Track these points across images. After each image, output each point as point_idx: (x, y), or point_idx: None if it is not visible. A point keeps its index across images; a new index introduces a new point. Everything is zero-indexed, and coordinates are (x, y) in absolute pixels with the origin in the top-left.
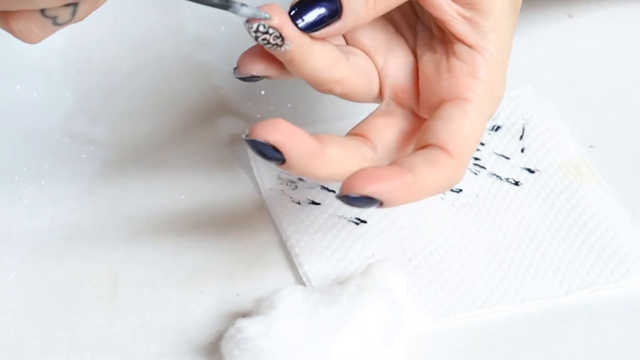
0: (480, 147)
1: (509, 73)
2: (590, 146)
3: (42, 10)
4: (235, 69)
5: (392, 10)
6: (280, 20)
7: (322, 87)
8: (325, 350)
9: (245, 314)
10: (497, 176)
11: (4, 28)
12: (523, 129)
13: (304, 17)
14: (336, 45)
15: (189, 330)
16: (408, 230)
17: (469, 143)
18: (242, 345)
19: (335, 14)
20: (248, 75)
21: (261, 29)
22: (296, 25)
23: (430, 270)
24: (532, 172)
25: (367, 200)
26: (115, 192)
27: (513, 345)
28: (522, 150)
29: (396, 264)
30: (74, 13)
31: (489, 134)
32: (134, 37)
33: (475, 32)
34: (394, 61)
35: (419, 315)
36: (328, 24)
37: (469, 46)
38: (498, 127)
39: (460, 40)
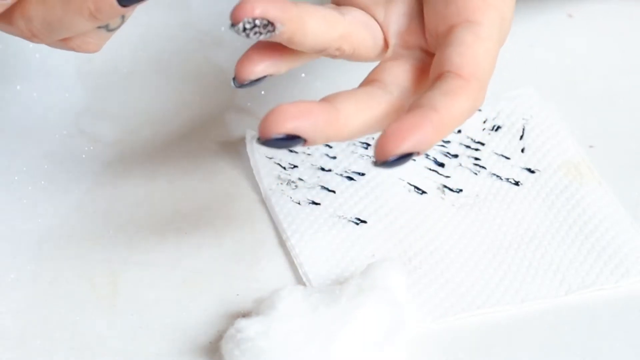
0: (480, 147)
1: (510, 73)
2: (590, 146)
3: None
4: (233, 79)
5: None
6: (261, 8)
7: (329, 51)
8: (326, 350)
9: (245, 314)
10: (497, 176)
11: (64, 48)
12: (523, 129)
13: None
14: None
15: (189, 330)
16: (408, 230)
17: (484, 65)
18: (242, 345)
19: None
20: (249, 81)
21: (247, 26)
22: None
23: (430, 270)
24: (532, 172)
25: (405, 156)
26: (115, 192)
27: (513, 345)
28: (523, 150)
29: (396, 264)
30: (124, 17)
31: (489, 133)
32: (134, 35)
33: None
34: (396, 10)
35: (419, 315)
36: None
37: None
38: (498, 127)
39: None
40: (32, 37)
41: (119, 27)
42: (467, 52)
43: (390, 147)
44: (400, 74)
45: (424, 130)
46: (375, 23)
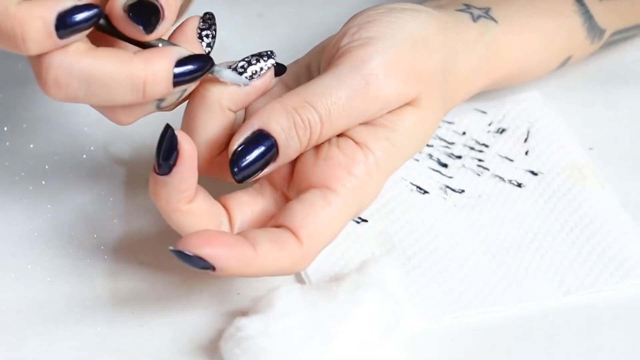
0: (485, 149)
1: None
2: (590, 148)
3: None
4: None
5: (295, 69)
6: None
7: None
8: (325, 346)
9: (244, 313)
10: (500, 177)
11: (105, 113)
12: (528, 132)
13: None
14: None
15: (189, 329)
16: (408, 229)
17: (322, 234)
18: (242, 343)
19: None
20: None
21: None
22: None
23: (429, 269)
24: (535, 174)
25: (199, 262)
26: (116, 191)
27: (512, 345)
28: (526, 153)
29: (391, 260)
30: (180, 97)
31: (494, 136)
32: None
33: (368, 134)
34: None
35: (417, 313)
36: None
37: (356, 142)
38: (503, 130)
39: (348, 135)
40: (49, 85)
41: (171, 105)
42: (312, 216)
43: (193, 243)
44: (247, 213)
45: (231, 253)
46: None
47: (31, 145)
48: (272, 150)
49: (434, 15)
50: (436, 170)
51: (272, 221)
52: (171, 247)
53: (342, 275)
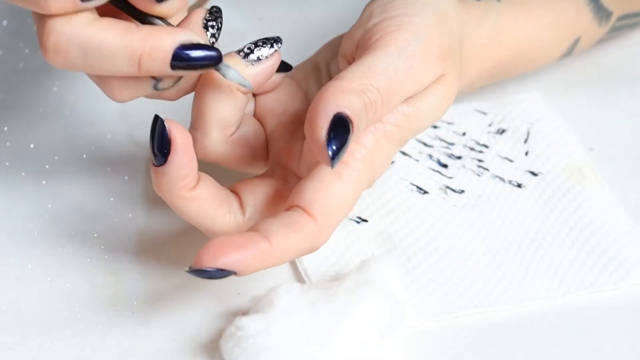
0: (485, 149)
1: (514, 79)
2: (590, 148)
3: (156, 82)
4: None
5: (303, 66)
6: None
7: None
8: (325, 345)
9: (244, 312)
10: (500, 178)
11: (95, 81)
12: (528, 133)
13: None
14: None
15: (189, 328)
16: (408, 229)
17: (336, 207)
18: (242, 342)
19: None
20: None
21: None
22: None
23: (429, 268)
24: (535, 174)
25: (219, 273)
26: (116, 191)
27: (512, 345)
28: (526, 154)
29: (391, 259)
30: (177, 81)
31: (494, 136)
32: None
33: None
34: (286, 123)
35: (417, 312)
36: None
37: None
38: (503, 131)
39: None
40: (48, 50)
41: (164, 91)
42: (323, 190)
43: (207, 257)
44: (259, 194)
45: (247, 254)
46: (263, 135)
47: (31, 145)
48: (351, 132)
49: None
50: (436, 171)
51: (286, 203)
52: (187, 269)
53: (342, 275)
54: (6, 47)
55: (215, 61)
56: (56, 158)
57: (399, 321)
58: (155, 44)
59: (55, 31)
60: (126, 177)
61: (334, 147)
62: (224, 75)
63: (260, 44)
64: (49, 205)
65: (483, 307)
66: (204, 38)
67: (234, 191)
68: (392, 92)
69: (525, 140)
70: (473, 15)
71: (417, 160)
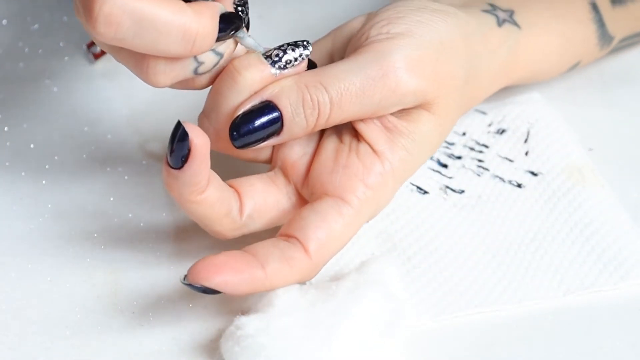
0: (485, 149)
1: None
2: (590, 149)
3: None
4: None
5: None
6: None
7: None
8: (325, 344)
9: (244, 312)
10: (500, 178)
11: (137, 70)
12: (528, 133)
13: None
14: None
15: (189, 328)
16: (408, 230)
17: (332, 246)
18: (242, 342)
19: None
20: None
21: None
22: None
23: (429, 268)
24: (535, 174)
25: (211, 290)
26: (116, 191)
27: (512, 345)
28: (527, 154)
29: (391, 259)
30: (216, 64)
31: (494, 137)
32: None
33: (386, 142)
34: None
35: (417, 312)
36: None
37: (374, 151)
38: (503, 131)
39: (367, 142)
40: (99, 21)
41: (207, 72)
42: (324, 229)
43: (201, 276)
44: (259, 202)
45: (240, 278)
46: None
47: (31, 145)
48: (277, 123)
49: (462, 18)
50: (436, 171)
51: (284, 226)
52: (182, 280)
53: (342, 275)
54: (6, 46)
55: (238, 26)
56: (56, 158)
57: (399, 321)
58: (206, 22)
59: (109, 0)
60: (126, 177)
61: (245, 129)
62: (239, 41)
63: (290, 50)
64: (49, 205)
65: (483, 307)
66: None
67: (236, 189)
68: (348, 97)
69: (526, 140)
70: (489, 46)
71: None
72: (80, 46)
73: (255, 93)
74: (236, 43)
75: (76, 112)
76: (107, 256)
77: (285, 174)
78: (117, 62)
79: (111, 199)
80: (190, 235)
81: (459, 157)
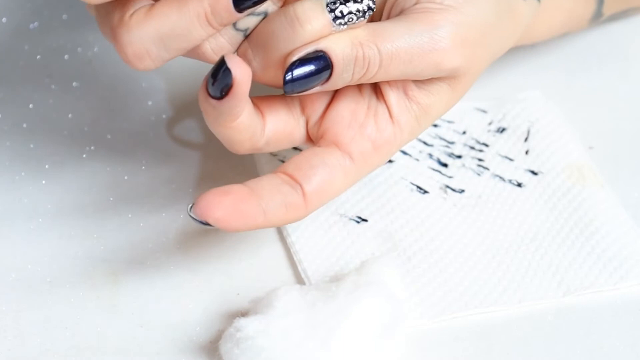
0: (485, 148)
1: (514, 77)
2: (591, 147)
3: (234, 24)
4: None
5: None
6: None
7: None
8: (325, 346)
9: (244, 313)
10: (500, 177)
11: (196, 57)
12: (528, 132)
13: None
14: None
15: (189, 329)
16: (408, 229)
17: (327, 199)
18: (241, 344)
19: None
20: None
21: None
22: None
23: (429, 268)
24: (535, 174)
25: (208, 225)
26: (116, 191)
27: (512, 345)
28: (527, 152)
29: (391, 259)
30: (261, 19)
31: (494, 135)
32: None
33: (404, 110)
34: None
35: (417, 312)
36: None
37: (391, 116)
38: (503, 129)
39: (387, 104)
40: (132, 61)
41: (251, 28)
42: (327, 182)
43: (203, 212)
44: (278, 126)
45: (241, 222)
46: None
47: (31, 145)
48: (326, 74)
49: None
50: (436, 170)
51: (290, 167)
52: (189, 211)
53: (341, 276)
54: (6, 45)
55: None
56: (56, 158)
57: (399, 321)
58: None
59: (126, 42)
60: (126, 177)
61: (294, 74)
62: None
63: (354, 2)
64: (49, 205)
65: (483, 307)
66: None
67: (261, 112)
68: (395, 61)
69: (526, 139)
70: (515, 22)
71: (417, 160)
72: (80, 44)
73: (310, 42)
74: None
75: (76, 112)
76: (107, 256)
77: (302, 106)
78: (116, 63)
79: (111, 199)
80: (191, 235)
81: (459, 156)
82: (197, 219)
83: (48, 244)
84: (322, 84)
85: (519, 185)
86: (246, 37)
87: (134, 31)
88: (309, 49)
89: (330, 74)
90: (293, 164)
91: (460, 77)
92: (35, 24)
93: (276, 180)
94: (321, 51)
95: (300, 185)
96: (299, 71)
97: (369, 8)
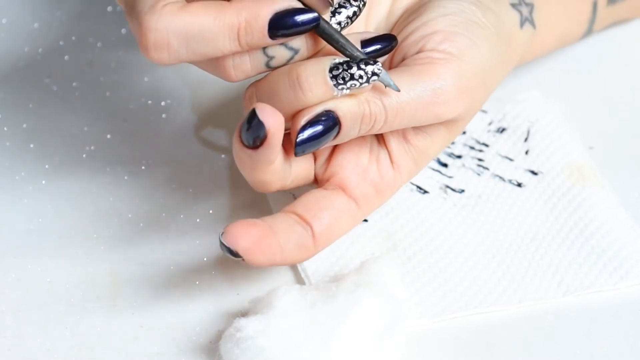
0: (485, 148)
1: (514, 77)
2: (590, 147)
3: (264, 48)
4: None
5: None
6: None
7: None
8: (325, 346)
9: (244, 314)
10: (500, 177)
11: (209, 70)
12: (528, 131)
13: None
14: None
15: (189, 329)
16: (408, 229)
17: (335, 236)
18: (241, 344)
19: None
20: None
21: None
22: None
23: (429, 268)
24: (535, 174)
25: (237, 255)
26: (116, 192)
27: (512, 345)
28: (527, 152)
29: (391, 259)
30: (291, 59)
31: (494, 135)
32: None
33: (404, 154)
34: None
35: (416, 313)
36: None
37: (391, 161)
38: (503, 129)
39: (388, 150)
40: (150, 49)
41: (282, 64)
42: (335, 225)
43: (230, 239)
44: (296, 172)
45: (262, 257)
46: None
47: (31, 145)
48: (334, 132)
49: (499, 33)
50: (436, 170)
51: (300, 207)
52: (220, 236)
53: (341, 276)
54: (6, 45)
55: (314, 22)
56: (56, 158)
57: (399, 321)
58: (250, 14)
59: (152, 28)
60: (126, 177)
61: (305, 136)
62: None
63: (357, 69)
64: (49, 205)
65: (483, 307)
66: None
67: (286, 151)
68: (400, 115)
69: (526, 139)
70: (513, 53)
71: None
72: (80, 45)
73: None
74: (315, 38)
75: (76, 112)
76: (107, 256)
77: (314, 152)
78: (116, 63)
79: (111, 199)
80: (191, 235)
81: (459, 157)
82: (227, 245)
83: (48, 244)
84: (329, 141)
85: (519, 185)
86: (268, 67)
87: (163, 20)
88: (317, 110)
89: (338, 132)
90: (302, 205)
91: (458, 121)
92: (36, 24)
93: (290, 220)
94: (329, 111)
95: (311, 227)
96: (308, 132)
97: (374, 74)
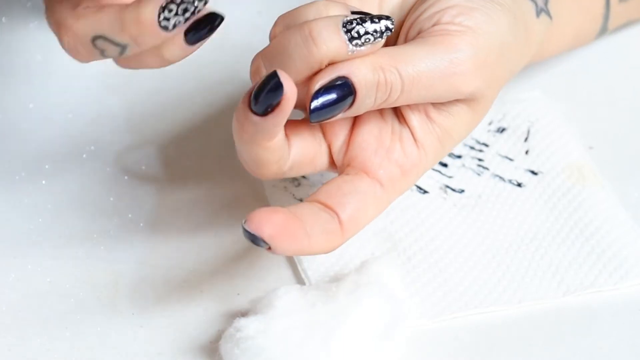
0: (485, 148)
1: (514, 77)
2: (591, 147)
3: (94, 40)
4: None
5: None
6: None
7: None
8: (325, 346)
9: (244, 314)
10: (500, 177)
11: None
12: (528, 131)
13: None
14: None
15: (189, 329)
16: (408, 229)
17: (361, 226)
18: (241, 344)
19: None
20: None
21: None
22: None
23: (429, 268)
24: (535, 174)
25: (259, 240)
26: (116, 192)
27: (512, 345)
28: (527, 152)
29: (391, 259)
30: (121, 53)
31: (494, 135)
32: None
33: (427, 133)
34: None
35: (417, 312)
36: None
37: (415, 140)
38: (503, 129)
39: (410, 128)
40: (75, 55)
41: (115, 58)
42: (362, 210)
43: (254, 226)
44: (303, 151)
45: (291, 245)
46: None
47: (31, 145)
48: (349, 100)
49: (515, 15)
50: (436, 170)
51: (323, 196)
52: (243, 224)
53: (341, 276)
54: (6, 45)
55: (219, 21)
56: (56, 158)
57: (399, 321)
58: (138, 15)
59: (65, 41)
60: (126, 177)
61: (319, 103)
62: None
63: (370, 22)
64: (49, 205)
65: (483, 307)
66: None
67: (287, 135)
68: (417, 85)
69: (526, 139)
70: (530, 41)
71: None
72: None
73: (332, 66)
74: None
75: (76, 112)
76: (107, 256)
77: (324, 131)
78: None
79: (111, 199)
80: (191, 235)
81: (459, 156)
82: (252, 232)
83: (48, 244)
84: (345, 110)
85: (519, 185)
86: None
87: (75, 28)
88: (332, 75)
89: (354, 100)
90: (324, 193)
91: (479, 99)
92: (35, 23)
93: (314, 207)
94: (343, 77)
95: (337, 214)
96: (323, 99)
97: (387, 28)
